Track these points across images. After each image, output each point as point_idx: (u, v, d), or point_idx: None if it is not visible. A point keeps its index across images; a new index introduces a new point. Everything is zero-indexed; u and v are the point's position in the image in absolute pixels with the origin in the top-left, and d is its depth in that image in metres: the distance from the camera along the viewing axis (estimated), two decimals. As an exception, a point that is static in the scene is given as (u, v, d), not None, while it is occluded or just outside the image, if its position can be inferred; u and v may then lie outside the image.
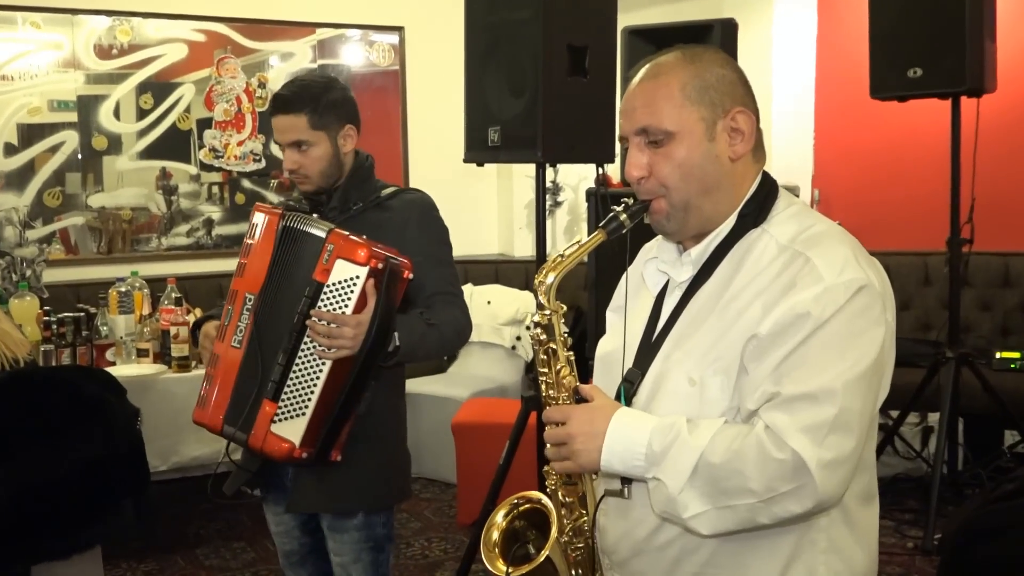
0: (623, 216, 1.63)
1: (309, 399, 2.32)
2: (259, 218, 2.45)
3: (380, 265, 2.27)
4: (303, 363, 2.33)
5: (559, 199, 6.23)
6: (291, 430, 2.33)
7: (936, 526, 4.12)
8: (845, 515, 1.59)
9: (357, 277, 2.27)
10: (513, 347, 5.63)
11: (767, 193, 1.65)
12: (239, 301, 2.43)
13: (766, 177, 1.67)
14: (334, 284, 2.29)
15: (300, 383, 2.33)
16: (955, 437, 4.70)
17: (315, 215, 2.45)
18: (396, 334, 2.36)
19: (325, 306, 2.29)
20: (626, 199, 1.66)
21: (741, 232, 1.63)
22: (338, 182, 2.56)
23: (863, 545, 1.64)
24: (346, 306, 2.28)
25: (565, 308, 1.71)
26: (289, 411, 2.34)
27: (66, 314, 4.15)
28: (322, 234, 2.32)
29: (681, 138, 1.59)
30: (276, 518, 2.66)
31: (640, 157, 1.62)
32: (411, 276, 2.37)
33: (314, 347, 2.31)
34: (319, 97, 2.49)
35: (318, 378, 2.32)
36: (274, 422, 2.34)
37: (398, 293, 2.36)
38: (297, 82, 2.54)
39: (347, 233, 2.31)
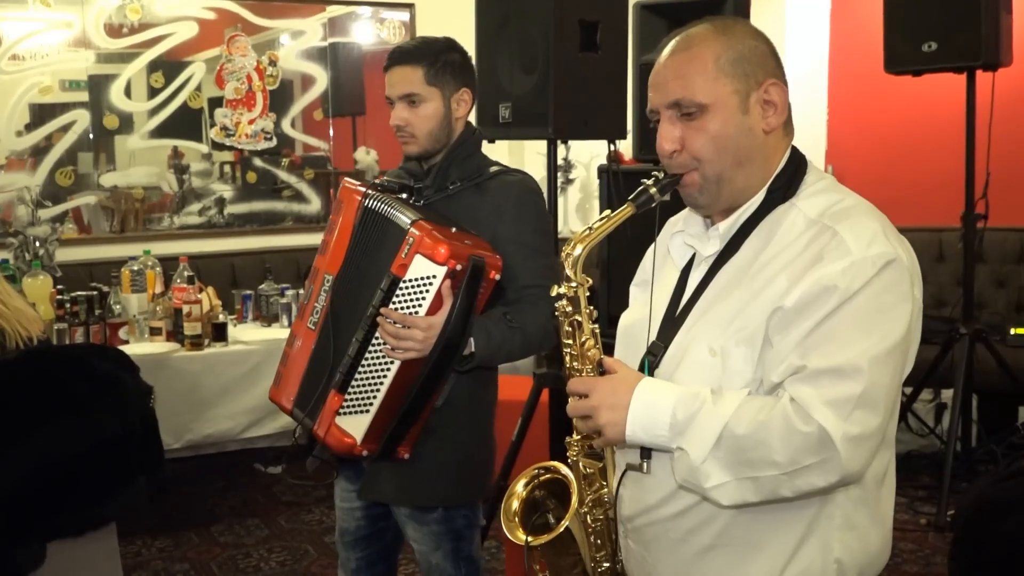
0: (653, 190, 1.62)
1: (374, 397, 2.25)
2: (344, 194, 2.36)
3: (459, 267, 2.15)
4: (372, 359, 2.25)
5: (571, 176, 6.20)
6: (354, 426, 2.27)
7: (949, 503, 4.12)
8: (863, 492, 1.58)
9: (434, 277, 2.16)
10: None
11: (796, 167, 1.64)
12: (319, 281, 2.36)
13: (795, 151, 1.66)
14: (410, 281, 2.19)
15: (367, 379, 2.26)
16: (969, 413, 4.69)
17: (405, 194, 2.34)
18: (472, 340, 2.24)
19: (400, 301, 2.20)
20: (656, 172, 1.64)
21: (770, 206, 1.61)
22: (442, 150, 2.43)
23: (878, 524, 1.63)
24: (420, 305, 2.18)
25: (591, 281, 1.70)
26: (354, 406, 2.27)
27: (79, 293, 4.17)
28: (406, 224, 2.20)
29: (715, 111, 1.57)
30: (344, 494, 2.57)
31: (672, 130, 1.60)
32: (498, 277, 2.24)
33: (384, 345, 2.22)
34: (440, 53, 2.41)
35: (385, 377, 2.24)
36: (339, 415, 2.27)
37: (482, 294, 2.24)
38: (418, 38, 2.48)
39: (431, 227, 2.18)
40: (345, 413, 2.28)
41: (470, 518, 2.49)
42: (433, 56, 2.40)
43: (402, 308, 2.21)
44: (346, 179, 2.48)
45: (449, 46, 2.45)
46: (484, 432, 2.51)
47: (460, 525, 2.46)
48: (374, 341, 2.24)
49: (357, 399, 2.27)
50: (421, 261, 2.17)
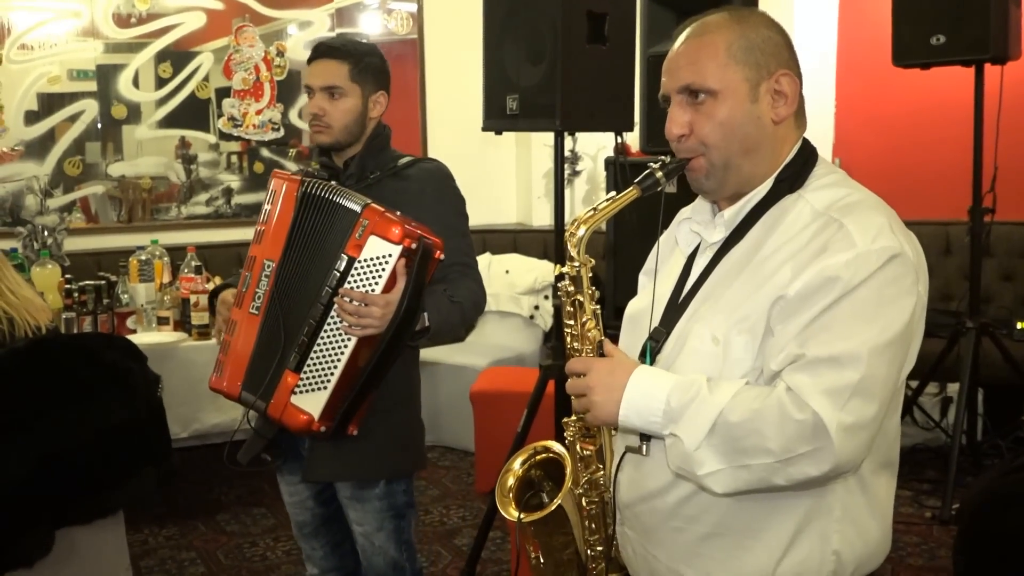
0: (659, 174, 1.63)
1: (332, 374, 2.31)
2: (277, 184, 2.44)
3: (414, 245, 2.26)
4: (328, 337, 2.31)
5: (578, 168, 6.19)
6: (311, 403, 2.32)
7: (954, 496, 4.12)
8: (862, 485, 1.58)
9: (390, 255, 2.26)
10: (531, 316, 5.63)
11: (806, 159, 1.64)
12: (257, 267, 2.41)
13: (806, 144, 1.66)
14: (366, 260, 2.28)
15: (324, 357, 2.32)
16: (974, 407, 4.68)
17: (333, 183, 2.43)
18: (426, 314, 2.35)
19: (355, 282, 2.28)
20: (663, 157, 1.65)
21: (777, 196, 1.62)
22: (354, 145, 2.55)
23: (878, 516, 1.63)
24: (376, 284, 2.27)
25: (594, 262, 1.70)
26: (310, 384, 2.32)
27: (87, 282, 4.18)
28: (357, 208, 2.29)
29: (724, 97, 1.58)
30: (290, 488, 2.67)
31: (682, 115, 1.61)
32: (443, 257, 2.35)
33: (340, 322, 2.29)
34: (364, 55, 2.54)
35: (342, 354, 2.31)
36: (295, 393, 2.33)
37: (428, 273, 2.34)
38: (343, 37, 2.61)
39: (383, 209, 2.29)
40: (301, 392, 2.33)
41: (408, 495, 2.59)
42: (359, 55, 2.53)
43: (358, 286, 2.28)
44: (276, 170, 2.60)
45: (372, 50, 2.60)
46: (415, 408, 2.64)
47: (400, 503, 2.56)
48: (330, 320, 2.30)
49: (314, 377, 2.33)
50: (376, 241, 2.26)
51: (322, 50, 2.53)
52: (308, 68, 2.56)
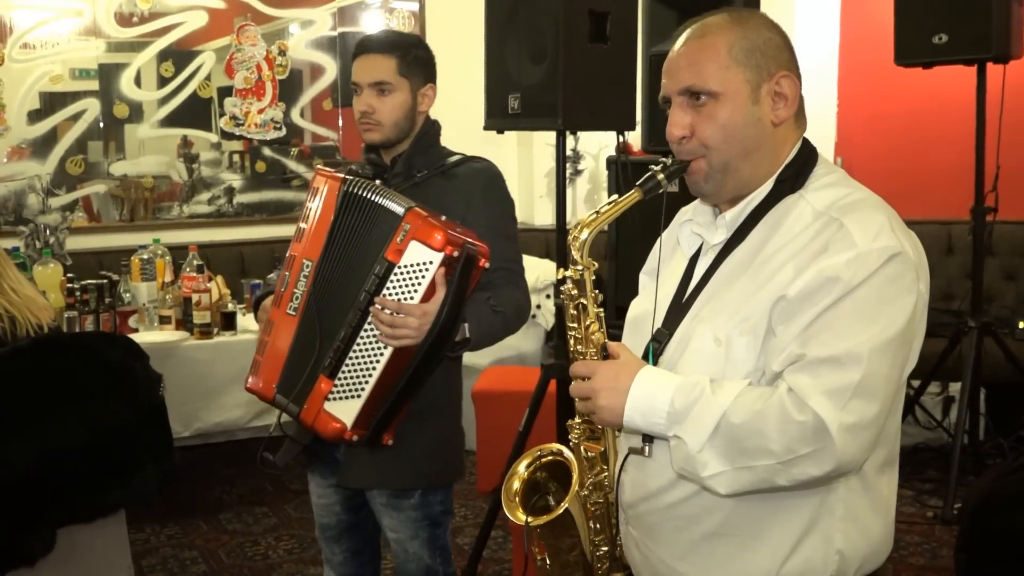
0: (660, 176, 1.62)
1: (366, 382, 2.23)
2: (320, 181, 2.34)
3: (456, 253, 2.15)
4: (364, 344, 2.23)
5: (579, 167, 6.19)
6: (344, 411, 2.25)
7: (956, 496, 4.11)
8: (864, 484, 1.58)
9: (430, 263, 2.15)
10: (533, 315, 5.62)
11: (806, 160, 1.64)
12: (296, 267, 2.33)
13: (806, 144, 1.66)
14: (405, 266, 2.17)
15: (359, 365, 2.24)
16: (976, 407, 4.67)
17: (378, 181, 2.34)
18: (466, 325, 2.26)
19: (393, 287, 2.19)
20: (664, 159, 1.64)
21: (778, 197, 1.62)
22: (404, 142, 2.46)
23: (881, 515, 1.63)
24: (415, 291, 2.17)
25: (597, 265, 1.70)
26: (344, 391, 2.25)
27: (89, 281, 4.18)
28: (400, 211, 2.18)
29: (725, 99, 1.58)
30: (320, 490, 2.58)
31: (683, 117, 1.61)
32: (487, 265, 2.25)
33: (376, 331, 2.20)
34: (411, 47, 2.45)
35: (377, 362, 2.22)
36: (328, 400, 2.25)
37: (472, 281, 2.24)
38: (389, 31, 2.52)
39: (427, 214, 2.18)
40: (335, 399, 2.26)
41: (445, 504, 2.52)
42: (406, 48, 2.44)
43: (396, 293, 2.19)
44: (319, 166, 2.48)
45: (419, 41, 2.51)
46: (455, 416, 2.55)
47: (436, 512, 2.48)
48: (366, 326, 2.22)
49: (348, 384, 2.25)
50: (417, 247, 2.16)
51: (368, 45, 2.43)
52: (353, 65, 2.45)
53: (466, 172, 2.46)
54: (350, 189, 2.28)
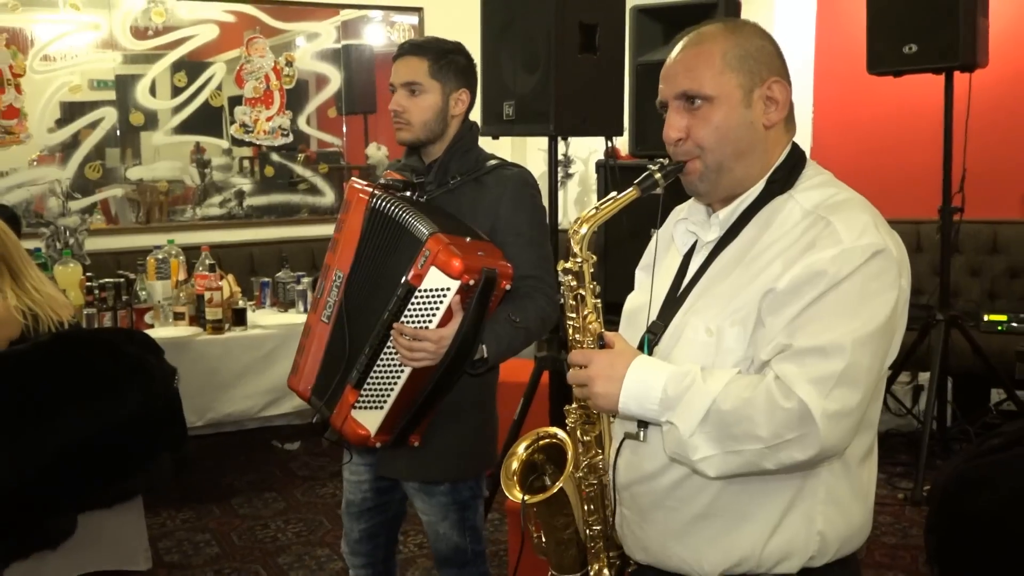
0: (658, 175, 1.62)
1: (388, 395, 2.23)
2: (351, 194, 2.32)
3: (472, 281, 2.11)
4: (386, 361, 2.22)
5: (570, 171, 6.19)
6: (369, 419, 2.25)
7: (925, 478, 4.12)
8: (846, 469, 1.58)
9: (447, 290, 2.12)
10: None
11: (796, 162, 1.64)
12: (330, 277, 2.33)
13: (795, 147, 1.66)
14: (425, 291, 2.15)
15: (381, 379, 2.24)
16: (944, 395, 4.68)
17: (406, 195, 2.30)
18: (484, 346, 2.22)
19: (413, 311, 2.17)
20: (661, 159, 1.64)
21: (768, 197, 1.61)
22: (438, 144, 2.40)
23: (860, 500, 1.63)
24: (432, 317, 2.15)
25: (595, 258, 1.70)
26: (369, 402, 2.25)
27: (107, 280, 4.17)
28: (423, 235, 2.15)
29: (719, 103, 1.57)
30: (354, 467, 2.53)
31: (679, 120, 1.60)
32: (508, 286, 2.22)
33: (395, 351, 2.20)
34: (447, 52, 2.39)
35: (397, 378, 2.22)
36: (354, 408, 2.26)
37: (493, 302, 2.20)
38: (431, 36, 2.45)
39: (448, 239, 2.13)
40: (360, 408, 2.26)
41: (475, 490, 2.49)
42: (440, 52, 2.38)
43: (416, 316, 2.17)
44: (353, 179, 2.45)
45: (458, 48, 2.43)
46: (488, 408, 2.50)
47: (466, 497, 2.45)
48: (389, 344, 2.21)
49: (371, 396, 2.25)
50: (436, 273, 2.13)
51: (405, 48, 2.39)
52: (392, 66, 2.40)
53: (496, 178, 2.39)
54: (377, 206, 2.26)
